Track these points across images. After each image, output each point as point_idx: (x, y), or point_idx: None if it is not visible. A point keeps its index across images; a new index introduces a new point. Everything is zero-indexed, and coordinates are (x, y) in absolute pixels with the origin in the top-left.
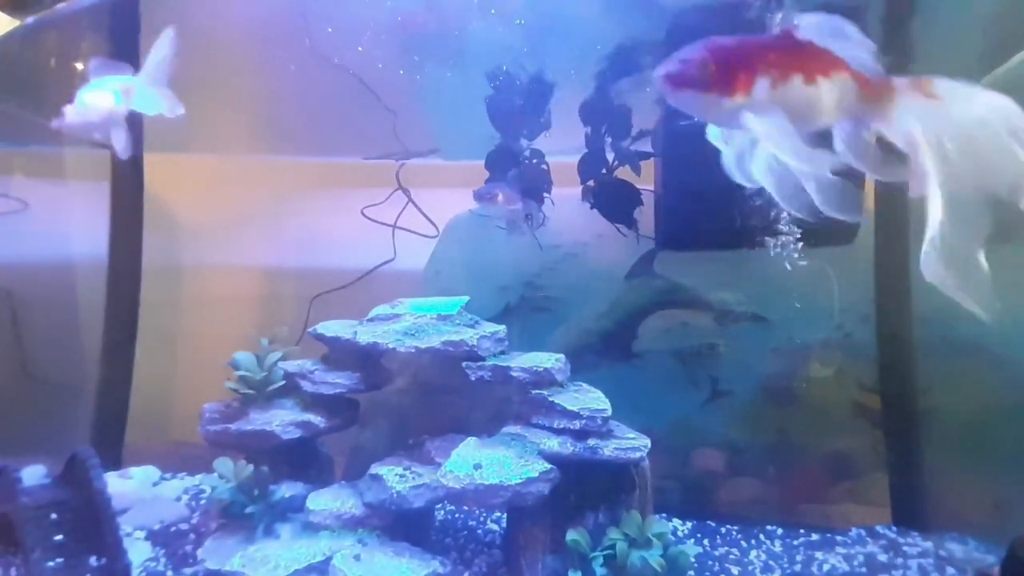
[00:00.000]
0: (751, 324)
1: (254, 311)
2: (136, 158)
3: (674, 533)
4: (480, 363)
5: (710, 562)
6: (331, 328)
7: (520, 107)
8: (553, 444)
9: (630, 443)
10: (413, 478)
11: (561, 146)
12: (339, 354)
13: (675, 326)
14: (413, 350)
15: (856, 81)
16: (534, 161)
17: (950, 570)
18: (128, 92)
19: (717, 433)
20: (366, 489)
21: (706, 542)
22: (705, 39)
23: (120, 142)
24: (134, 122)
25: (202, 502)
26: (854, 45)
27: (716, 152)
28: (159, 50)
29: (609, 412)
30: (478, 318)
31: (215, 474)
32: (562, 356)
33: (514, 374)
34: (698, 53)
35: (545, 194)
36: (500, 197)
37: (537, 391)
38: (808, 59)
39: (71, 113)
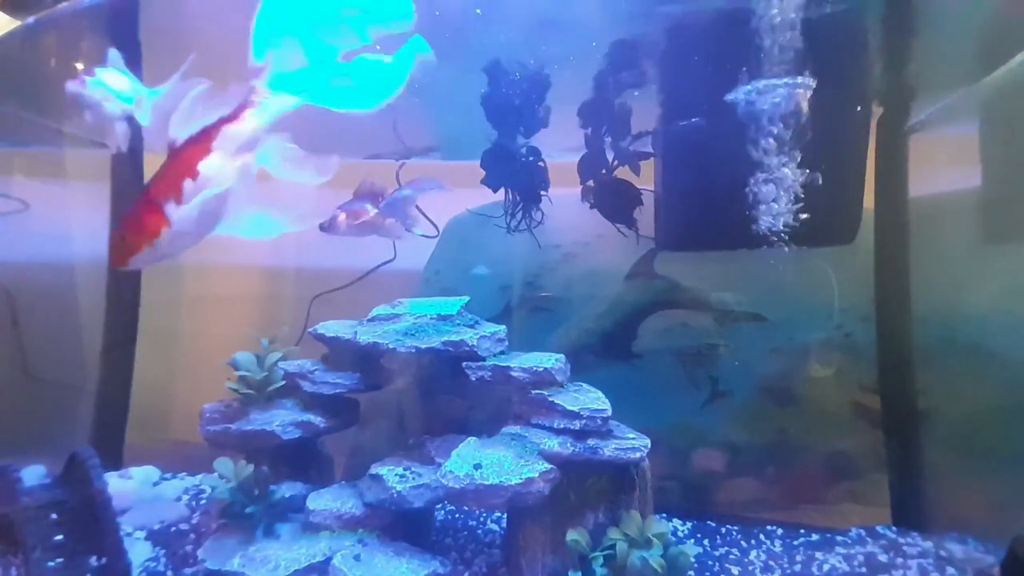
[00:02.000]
0: (751, 324)
1: (254, 311)
2: (136, 158)
3: (674, 533)
4: (480, 363)
5: (710, 562)
6: (331, 328)
7: (516, 104)
8: (553, 444)
9: (630, 443)
10: (413, 478)
11: (561, 146)
12: (339, 354)
13: (675, 326)
14: (413, 350)
15: (221, 124)
16: (531, 159)
17: (950, 570)
18: (141, 101)
19: (717, 433)
20: (366, 489)
21: (706, 542)
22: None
23: (119, 137)
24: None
25: (202, 502)
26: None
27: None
28: (180, 84)
29: (609, 412)
30: (478, 318)
31: (215, 474)
32: (562, 356)
33: (514, 374)
34: (115, 233)
35: (542, 192)
36: (342, 218)
37: (537, 391)
38: (184, 157)
39: (91, 88)
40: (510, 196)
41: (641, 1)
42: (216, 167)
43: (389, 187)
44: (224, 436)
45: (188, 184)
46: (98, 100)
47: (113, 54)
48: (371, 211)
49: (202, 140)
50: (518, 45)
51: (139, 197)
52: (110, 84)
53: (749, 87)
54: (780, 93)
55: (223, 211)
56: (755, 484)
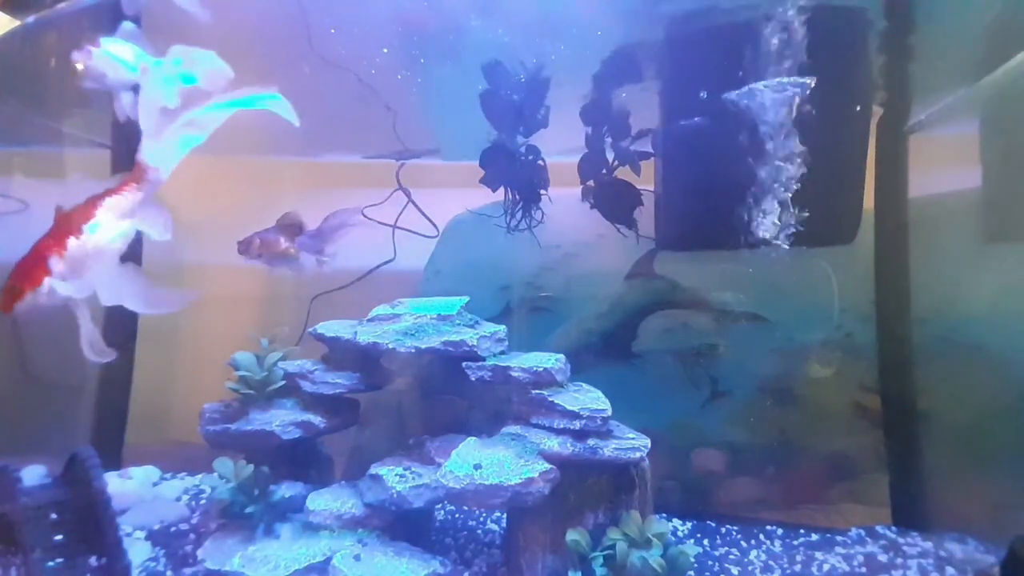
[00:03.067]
0: (751, 324)
1: (254, 311)
2: (135, 157)
3: (674, 533)
4: (480, 363)
5: (710, 562)
6: (331, 328)
7: (516, 104)
8: (553, 444)
9: (630, 443)
10: (413, 478)
11: (561, 146)
12: (339, 354)
13: (675, 326)
14: (413, 350)
15: (107, 192)
16: (530, 158)
17: (950, 570)
18: (145, 72)
19: (717, 433)
20: (366, 489)
21: (706, 542)
22: None
23: (122, 108)
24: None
25: (202, 502)
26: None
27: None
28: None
29: (609, 412)
30: (478, 318)
31: (215, 474)
32: (562, 356)
33: (514, 374)
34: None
35: (542, 192)
36: (256, 244)
37: (537, 391)
38: (72, 217)
39: (97, 57)
40: (510, 196)
41: (642, 1)
42: (98, 229)
43: (310, 224)
44: (224, 436)
45: (72, 242)
46: (103, 70)
47: (126, 26)
48: (284, 243)
49: (89, 205)
50: (518, 45)
51: (31, 249)
52: (116, 54)
53: (749, 87)
54: (780, 93)
55: (99, 268)
56: (755, 484)
